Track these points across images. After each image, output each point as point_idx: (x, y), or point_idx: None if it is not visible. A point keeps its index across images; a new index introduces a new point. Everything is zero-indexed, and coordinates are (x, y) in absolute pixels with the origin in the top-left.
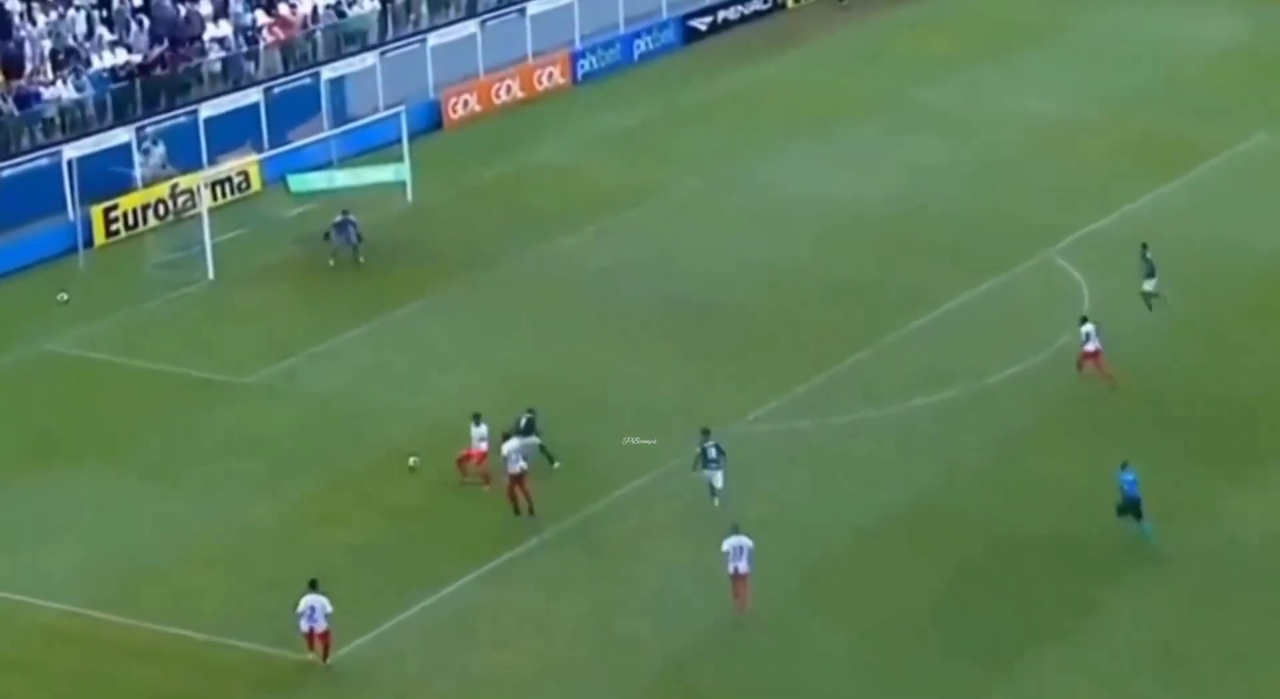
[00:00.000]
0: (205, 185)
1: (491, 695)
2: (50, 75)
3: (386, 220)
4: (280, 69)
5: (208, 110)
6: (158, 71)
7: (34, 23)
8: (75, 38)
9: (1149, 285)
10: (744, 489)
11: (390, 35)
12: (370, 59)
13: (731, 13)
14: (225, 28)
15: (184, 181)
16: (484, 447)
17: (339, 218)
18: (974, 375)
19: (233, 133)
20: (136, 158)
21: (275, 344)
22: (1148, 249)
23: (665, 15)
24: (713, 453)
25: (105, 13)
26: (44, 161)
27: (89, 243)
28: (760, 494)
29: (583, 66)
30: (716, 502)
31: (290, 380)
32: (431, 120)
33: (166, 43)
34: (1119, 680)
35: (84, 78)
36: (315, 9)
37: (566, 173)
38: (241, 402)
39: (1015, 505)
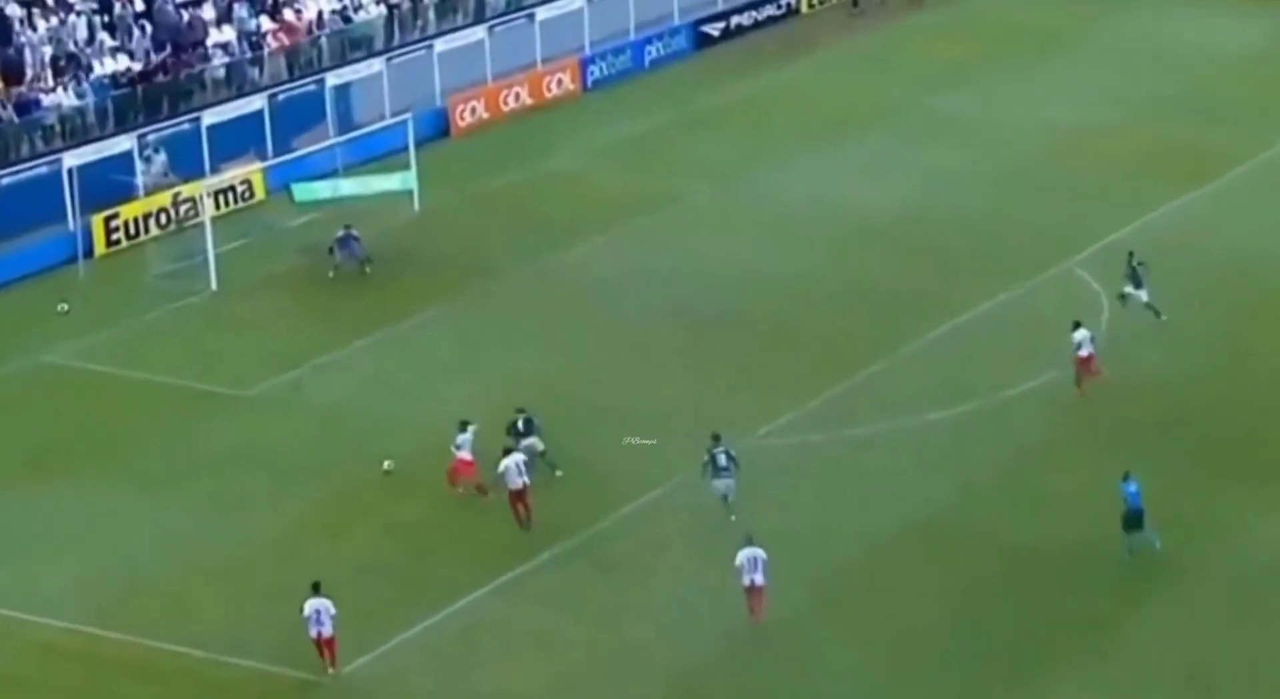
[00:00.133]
0: (208, 194)
1: None
2: (51, 82)
3: (393, 230)
4: (284, 75)
5: (210, 117)
6: (160, 78)
7: (34, 28)
8: (76, 43)
9: (1136, 293)
10: (756, 503)
11: (397, 41)
12: (376, 65)
13: (744, 18)
14: (229, 33)
15: (186, 190)
16: (466, 456)
17: (341, 232)
18: (991, 388)
19: (236, 140)
20: (138, 166)
21: (279, 355)
22: (1134, 257)
23: (677, 21)
24: (723, 460)
25: (106, 18)
26: (44, 169)
27: (89, 253)
28: (772, 508)
29: (593, 73)
30: (733, 516)
31: (295, 392)
32: (439, 128)
33: (169, 48)
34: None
35: (85, 84)
36: (320, 14)
37: (576, 181)
38: (244, 414)
39: (1031, 520)
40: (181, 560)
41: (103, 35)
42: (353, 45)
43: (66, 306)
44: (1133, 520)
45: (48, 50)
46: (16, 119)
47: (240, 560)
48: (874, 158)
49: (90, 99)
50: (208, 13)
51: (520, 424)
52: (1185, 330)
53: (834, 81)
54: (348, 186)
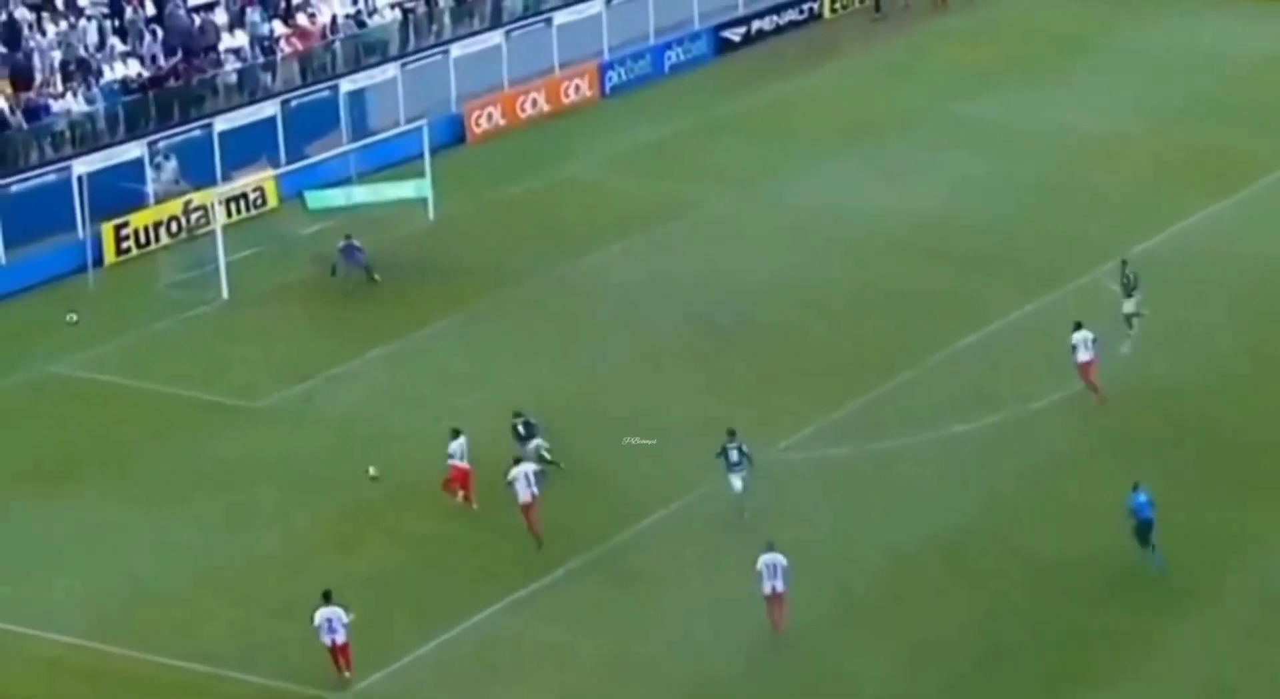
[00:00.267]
0: (219, 202)
1: None
2: (60, 87)
3: (407, 238)
4: (298, 81)
5: (222, 124)
6: (171, 83)
7: (43, 33)
8: (86, 48)
9: (1129, 305)
10: (778, 514)
11: (412, 46)
12: (391, 71)
13: (766, 23)
14: (241, 38)
15: (198, 198)
16: (461, 463)
17: (342, 242)
18: (1017, 399)
19: (248, 147)
20: (149, 173)
21: (291, 366)
22: (1128, 265)
23: (697, 26)
24: (735, 456)
25: (117, 23)
26: (53, 177)
27: (99, 261)
28: (795, 519)
29: (611, 78)
30: (746, 514)
31: (308, 403)
32: (454, 134)
33: (180, 54)
34: None
35: (95, 90)
36: (334, 19)
37: (594, 188)
38: (254, 425)
39: (1057, 533)
40: (189, 574)
41: (113, 40)
42: (367, 50)
43: (76, 316)
44: (1143, 532)
45: (57, 55)
46: (25, 125)
47: (249, 574)
48: (897, 164)
49: (100, 105)
50: (220, 17)
51: (520, 427)
52: (1215, 340)
53: (856, 87)
54: (361, 194)
